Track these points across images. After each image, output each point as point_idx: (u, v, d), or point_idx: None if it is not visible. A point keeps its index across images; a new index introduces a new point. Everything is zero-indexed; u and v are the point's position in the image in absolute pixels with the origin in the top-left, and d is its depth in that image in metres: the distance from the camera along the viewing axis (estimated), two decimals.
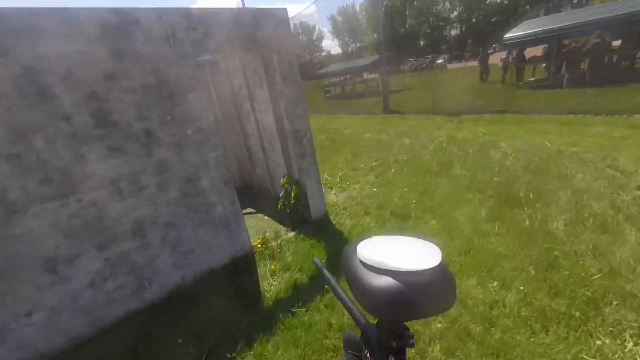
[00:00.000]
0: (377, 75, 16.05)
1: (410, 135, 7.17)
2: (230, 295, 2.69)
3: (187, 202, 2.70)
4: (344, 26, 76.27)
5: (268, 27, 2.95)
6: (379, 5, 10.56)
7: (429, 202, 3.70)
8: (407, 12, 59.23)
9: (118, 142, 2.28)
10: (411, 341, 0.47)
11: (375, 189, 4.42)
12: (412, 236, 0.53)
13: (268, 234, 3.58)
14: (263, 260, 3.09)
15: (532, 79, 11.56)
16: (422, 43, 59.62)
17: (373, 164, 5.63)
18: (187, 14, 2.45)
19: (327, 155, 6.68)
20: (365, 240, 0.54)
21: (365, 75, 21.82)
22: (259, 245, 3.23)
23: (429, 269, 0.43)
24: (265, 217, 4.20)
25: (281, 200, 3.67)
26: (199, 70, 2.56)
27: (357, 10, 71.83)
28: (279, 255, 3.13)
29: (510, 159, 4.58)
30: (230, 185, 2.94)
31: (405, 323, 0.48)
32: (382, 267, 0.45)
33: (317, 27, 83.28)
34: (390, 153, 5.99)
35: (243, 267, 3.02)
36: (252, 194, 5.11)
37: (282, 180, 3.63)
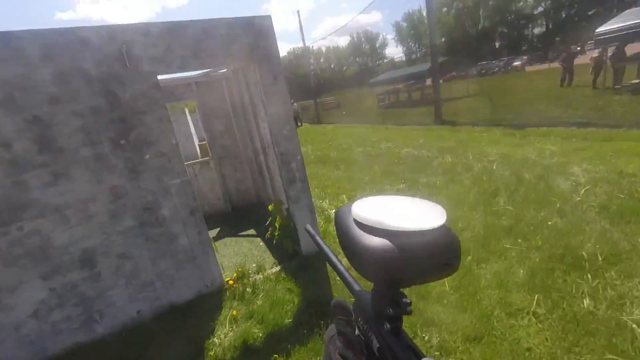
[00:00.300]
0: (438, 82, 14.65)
1: (456, 152, 6.10)
2: (180, 339, 2.36)
3: (145, 232, 2.47)
4: (408, 32, 73.71)
5: (247, 38, 2.60)
6: (431, 6, 9.53)
7: None
8: (480, 13, 54.49)
9: (64, 168, 2.15)
10: (408, 308, 0.44)
11: None
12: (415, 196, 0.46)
13: (252, 265, 3.19)
14: (231, 300, 2.70)
15: (637, 80, 9.09)
16: (497, 44, 53.91)
17: (401, 185, 4.84)
18: (145, 30, 2.24)
19: (353, 172, 6.07)
20: (362, 199, 0.46)
21: (428, 82, 20.30)
22: (231, 282, 2.85)
23: (431, 230, 0.38)
24: (261, 243, 3.83)
25: (269, 229, 3.26)
26: (157, 89, 2.33)
27: (424, 15, 68.81)
28: (249, 297, 2.70)
29: (582, 192, 3.38)
30: (197, 215, 2.64)
31: (405, 289, 0.45)
32: (379, 227, 0.40)
33: (380, 35, 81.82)
34: (425, 174, 5.11)
35: (207, 306, 2.68)
36: (262, 212, 4.81)
37: (270, 207, 3.21)
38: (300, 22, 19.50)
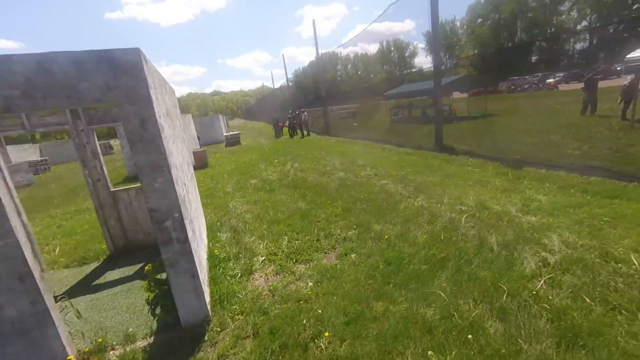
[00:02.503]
0: (460, 95, 13.73)
1: (433, 192, 5.34)
2: None
3: None
4: (439, 42, 71.38)
5: (102, 76, 2.15)
6: (436, 16, 8.75)
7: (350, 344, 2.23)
8: (518, 25, 51.76)
9: None
10: None
11: (309, 288, 3.10)
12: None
13: (129, 331, 2.72)
14: None
15: None
16: (534, 59, 50.79)
17: (350, 232, 4.20)
18: None
19: (315, 205, 5.47)
20: None
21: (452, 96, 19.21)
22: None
23: None
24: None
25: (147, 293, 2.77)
26: None
27: (458, 25, 66.46)
28: None
29: (542, 282, 2.60)
30: (29, 281, 2.21)
31: None
32: None
33: (411, 44, 80.00)
34: (383, 220, 4.43)
35: None
36: None
37: (148, 268, 2.72)
38: (315, 30, 19.18)
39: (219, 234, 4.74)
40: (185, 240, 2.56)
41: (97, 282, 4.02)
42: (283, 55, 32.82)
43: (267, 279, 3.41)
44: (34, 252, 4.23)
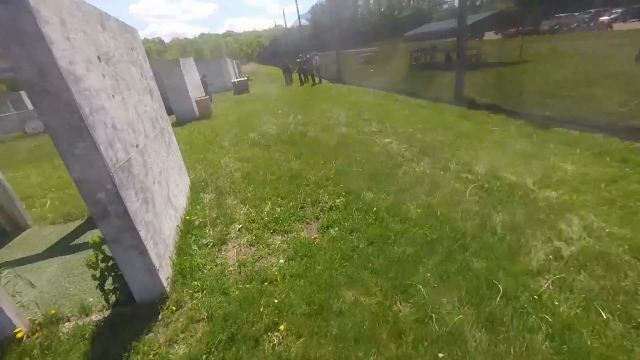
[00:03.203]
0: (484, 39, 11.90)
1: (442, 153, 4.70)
2: None
3: None
4: None
5: None
6: None
7: None
8: None
9: None
10: None
11: (278, 267, 2.80)
12: None
13: (77, 304, 2.58)
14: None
15: None
16: None
17: (337, 200, 3.78)
18: None
19: (308, 165, 4.99)
20: None
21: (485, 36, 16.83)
22: (21, 334, 2.26)
23: None
24: None
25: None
26: None
27: None
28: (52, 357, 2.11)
29: (549, 282, 2.13)
30: None
31: None
32: None
33: None
34: (379, 187, 3.93)
35: None
36: None
37: (92, 240, 2.44)
38: None
39: (202, 195, 4.45)
40: (125, 214, 2.20)
41: (75, 241, 3.92)
42: None
43: (240, 250, 3.14)
44: (7, 211, 4.13)
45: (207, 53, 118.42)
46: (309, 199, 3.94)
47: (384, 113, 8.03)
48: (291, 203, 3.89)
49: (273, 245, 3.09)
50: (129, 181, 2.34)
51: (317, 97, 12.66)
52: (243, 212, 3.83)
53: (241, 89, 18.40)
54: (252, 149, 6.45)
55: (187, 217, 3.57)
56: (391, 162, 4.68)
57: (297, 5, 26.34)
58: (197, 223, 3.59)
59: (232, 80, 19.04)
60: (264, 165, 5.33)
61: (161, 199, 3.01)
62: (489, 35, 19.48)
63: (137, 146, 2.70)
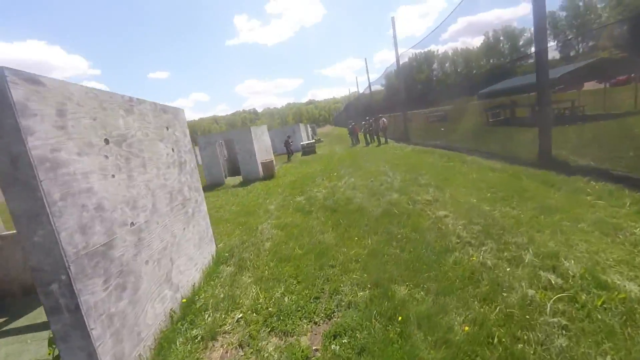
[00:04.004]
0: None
1: (512, 239, 3.52)
2: None
3: None
4: (568, 22, 57.18)
5: None
6: None
7: None
8: None
9: None
10: None
11: None
12: None
13: None
14: None
15: None
16: None
17: (360, 294, 2.98)
18: None
19: (345, 238, 4.34)
20: None
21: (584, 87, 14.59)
22: None
23: None
24: None
25: None
26: None
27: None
28: None
29: None
30: None
31: None
32: None
33: (527, 30, 66.86)
34: (416, 280, 3.02)
35: None
36: None
37: (49, 335, 2.23)
38: (394, 29, 17.51)
39: (221, 267, 4.19)
40: (76, 309, 1.96)
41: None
42: (366, 59, 31.85)
43: (226, 353, 2.59)
44: None
45: (290, 119, 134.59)
46: (328, 288, 3.25)
47: (445, 177, 7.02)
48: (306, 291, 3.25)
49: (262, 354, 2.45)
50: (98, 268, 2.16)
51: (377, 158, 12.28)
52: (251, 296, 3.34)
53: (308, 150, 19.45)
54: (294, 215, 6.18)
55: (184, 300, 3.25)
56: (440, 245, 3.70)
57: (367, 72, 28.62)
58: (198, 305, 3.24)
59: (301, 143, 20.38)
60: (296, 235, 4.91)
61: (152, 281, 2.78)
62: (589, 86, 16.84)
63: (131, 224, 2.61)
